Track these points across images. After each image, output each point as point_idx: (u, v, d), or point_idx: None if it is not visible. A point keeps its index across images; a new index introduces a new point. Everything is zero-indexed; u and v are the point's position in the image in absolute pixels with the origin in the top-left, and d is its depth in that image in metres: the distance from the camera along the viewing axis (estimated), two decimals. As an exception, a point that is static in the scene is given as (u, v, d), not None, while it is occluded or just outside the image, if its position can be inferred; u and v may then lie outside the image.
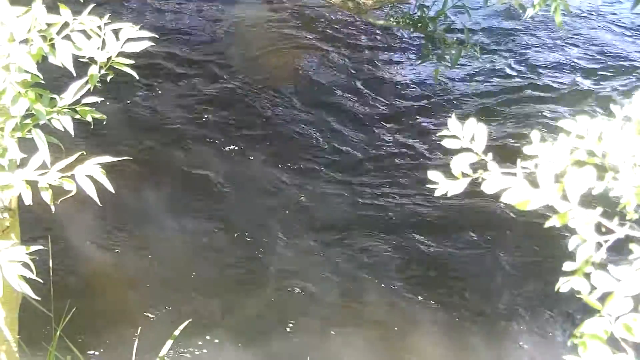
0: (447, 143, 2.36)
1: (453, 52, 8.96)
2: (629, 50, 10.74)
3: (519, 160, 2.28)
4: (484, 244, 7.61)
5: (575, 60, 10.58)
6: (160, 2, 10.97)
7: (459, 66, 9.54)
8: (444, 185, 2.32)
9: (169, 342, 4.43)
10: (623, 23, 11.22)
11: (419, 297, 6.89)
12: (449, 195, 2.36)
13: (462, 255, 7.49)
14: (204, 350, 6.18)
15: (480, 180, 2.41)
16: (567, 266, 2.24)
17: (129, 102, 9.09)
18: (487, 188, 2.14)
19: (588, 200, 2.12)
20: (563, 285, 2.26)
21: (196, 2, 11.07)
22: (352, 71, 10.20)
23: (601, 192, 2.23)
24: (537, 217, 7.41)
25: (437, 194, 2.34)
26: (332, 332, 6.48)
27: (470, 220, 7.85)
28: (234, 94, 9.65)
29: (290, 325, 6.50)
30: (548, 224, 2.16)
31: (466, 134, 2.34)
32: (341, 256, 7.34)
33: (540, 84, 10.11)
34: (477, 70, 10.29)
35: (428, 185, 2.34)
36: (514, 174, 2.15)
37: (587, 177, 2.10)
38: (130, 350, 5.00)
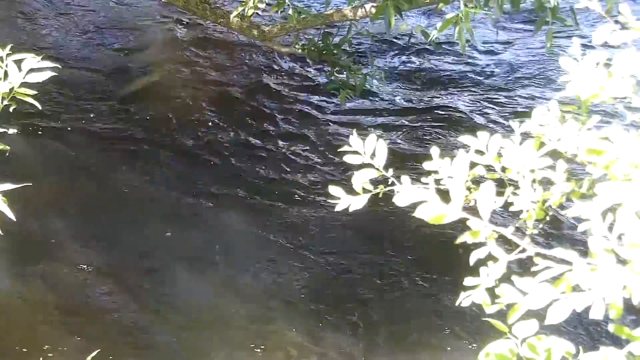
0: (348, 159, 2.35)
1: (359, 78, 9.05)
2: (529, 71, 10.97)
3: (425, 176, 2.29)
4: (389, 257, 7.65)
5: (481, 80, 10.78)
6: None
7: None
8: (345, 200, 2.31)
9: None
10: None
11: (323, 314, 6.87)
12: (350, 210, 2.35)
13: (366, 269, 7.52)
14: None
15: (380, 195, 2.40)
16: (468, 281, 2.25)
17: (32, 130, 8.94)
18: (399, 201, 2.12)
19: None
20: (464, 300, 2.26)
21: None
22: (254, 98, 10.18)
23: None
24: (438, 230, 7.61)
25: (337, 209, 2.33)
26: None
27: (377, 234, 7.91)
28: (134, 124, 9.58)
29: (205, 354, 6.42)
30: (460, 240, 2.15)
31: (367, 150, 2.33)
32: (245, 276, 7.28)
33: (446, 103, 10.27)
34: (383, 93, 10.40)
35: (330, 201, 2.32)
36: (426, 187, 2.15)
37: (488, 192, 2.11)
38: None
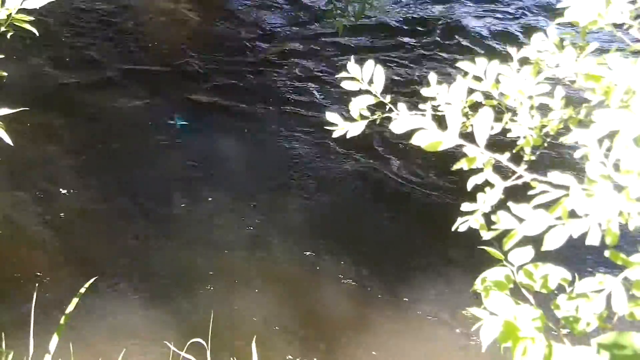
0: (346, 85, 2.34)
1: (356, 5, 8.97)
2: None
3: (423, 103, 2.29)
4: (383, 193, 7.68)
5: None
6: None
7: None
8: (343, 126, 2.31)
9: (75, 300, 4.34)
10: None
11: (320, 255, 6.89)
12: (347, 136, 2.35)
13: (358, 207, 7.53)
14: (112, 307, 6.09)
15: (377, 122, 2.41)
16: (465, 207, 2.26)
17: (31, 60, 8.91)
18: (396, 128, 2.12)
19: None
20: (461, 225, 2.28)
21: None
22: (251, 27, 10.14)
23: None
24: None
25: (335, 135, 2.33)
26: (240, 287, 6.45)
27: (368, 173, 7.92)
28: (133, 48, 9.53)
29: (199, 281, 6.44)
30: (456, 166, 2.16)
31: (365, 77, 2.33)
32: (246, 218, 7.28)
33: (444, 31, 10.26)
34: (382, 21, 10.36)
35: (327, 127, 2.32)
36: (423, 114, 2.14)
37: (485, 119, 2.11)
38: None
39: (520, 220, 1.99)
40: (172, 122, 8.37)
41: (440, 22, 10.50)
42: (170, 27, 10.15)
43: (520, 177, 2.16)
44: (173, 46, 9.74)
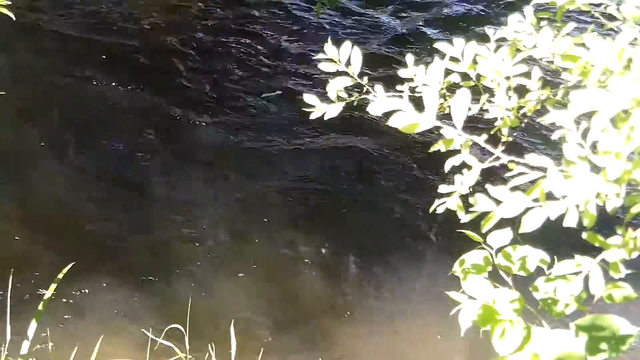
0: (323, 66, 2.32)
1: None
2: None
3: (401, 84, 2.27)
4: (364, 173, 7.67)
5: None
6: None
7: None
8: (320, 108, 2.29)
9: (53, 285, 4.31)
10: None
11: (302, 233, 6.88)
12: (325, 118, 2.33)
13: (342, 187, 7.52)
14: (90, 293, 6.04)
15: (355, 104, 2.39)
16: (442, 188, 2.24)
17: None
18: (373, 110, 2.09)
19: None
20: (438, 206, 2.26)
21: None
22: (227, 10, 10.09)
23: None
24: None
25: (312, 117, 2.31)
26: (218, 275, 6.41)
27: (350, 151, 7.90)
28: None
29: (177, 268, 6.41)
30: (433, 148, 2.14)
31: (342, 58, 2.31)
32: (222, 195, 7.27)
33: (422, 12, 10.26)
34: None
35: (304, 109, 2.30)
36: (400, 96, 2.12)
37: (463, 100, 2.09)
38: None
39: (498, 202, 1.97)
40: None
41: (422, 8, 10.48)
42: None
43: (497, 158, 2.14)
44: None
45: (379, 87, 2.15)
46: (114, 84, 8.57)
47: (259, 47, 9.47)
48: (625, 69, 1.81)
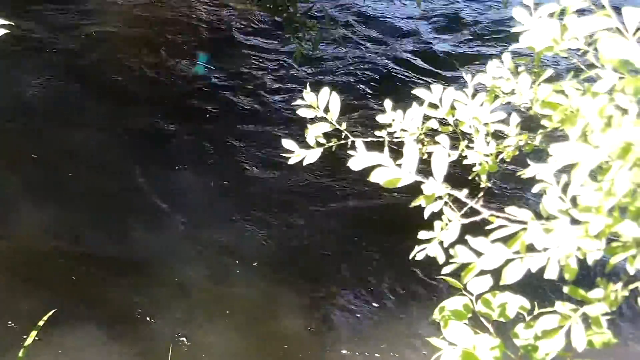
0: (302, 112, 2.32)
1: (314, 34, 8.89)
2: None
3: (382, 132, 2.27)
4: (341, 218, 7.52)
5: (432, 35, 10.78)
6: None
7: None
8: (298, 154, 2.28)
9: (34, 332, 4.26)
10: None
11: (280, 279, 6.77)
12: (304, 164, 2.32)
13: (321, 231, 7.38)
14: (71, 341, 5.91)
15: (333, 149, 2.38)
16: (422, 235, 2.24)
17: None
18: (354, 165, 2.08)
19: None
20: (418, 253, 2.26)
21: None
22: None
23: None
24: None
25: (290, 162, 2.30)
26: (200, 317, 6.30)
27: (329, 195, 7.76)
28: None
29: (158, 313, 6.28)
30: (414, 203, 2.13)
31: (321, 104, 2.30)
32: (206, 241, 7.11)
33: (403, 58, 10.19)
34: (339, 50, 10.26)
35: (284, 155, 2.29)
36: (381, 144, 2.12)
37: (442, 155, 2.09)
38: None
39: (479, 254, 1.98)
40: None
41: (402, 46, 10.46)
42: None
43: (478, 213, 2.14)
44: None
45: (359, 142, 2.14)
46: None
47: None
48: (607, 126, 1.81)
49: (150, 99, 8.86)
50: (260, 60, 9.91)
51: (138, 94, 8.91)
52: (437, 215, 2.20)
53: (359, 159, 1.99)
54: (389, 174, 1.96)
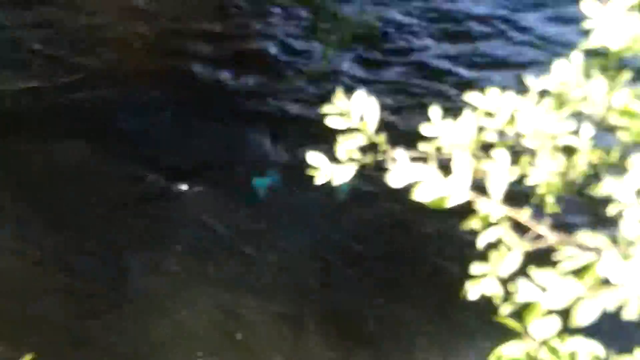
0: (331, 122, 1.97)
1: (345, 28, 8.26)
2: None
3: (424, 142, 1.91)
4: (380, 244, 7.01)
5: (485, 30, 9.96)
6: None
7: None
8: (327, 171, 1.93)
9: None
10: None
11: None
12: (334, 184, 1.97)
13: (359, 255, 6.92)
14: None
15: (369, 165, 2.03)
16: (476, 269, 1.89)
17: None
18: (393, 181, 1.74)
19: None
20: (471, 291, 1.90)
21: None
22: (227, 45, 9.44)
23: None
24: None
25: (318, 182, 1.94)
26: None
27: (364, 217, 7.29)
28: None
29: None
30: (465, 225, 1.79)
31: (354, 112, 1.95)
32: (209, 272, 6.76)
33: (450, 56, 9.44)
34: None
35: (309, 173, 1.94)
36: (424, 162, 1.78)
37: (502, 168, 1.74)
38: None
39: (544, 289, 1.62)
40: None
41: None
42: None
43: (543, 238, 1.78)
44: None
45: (400, 152, 1.80)
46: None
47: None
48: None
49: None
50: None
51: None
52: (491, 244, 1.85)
53: (400, 172, 1.64)
54: (437, 190, 1.61)
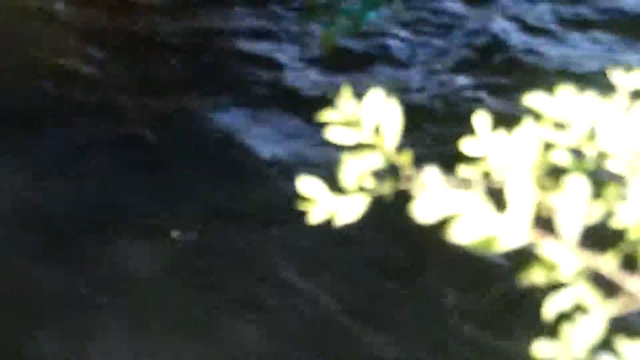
0: (334, 135, 1.40)
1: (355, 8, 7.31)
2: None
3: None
4: (418, 284, 6.24)
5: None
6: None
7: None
8: (326, 205, 1.35)
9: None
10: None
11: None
12: (337, 223, 1.39)
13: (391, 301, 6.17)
14: None
15: (388, 196, 1.45)
16: (540, 348, 1.34)
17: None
18: (422, 213, 1.23)
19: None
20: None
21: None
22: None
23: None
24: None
25: (312, 220, 1.36)
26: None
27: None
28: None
29: None
30: (523, 279, 1.28)
31: (367, 120, 1.39)
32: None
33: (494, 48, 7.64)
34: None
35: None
36: (466, 187, 1.28)
37: (578, 196, 1.21)
38: None
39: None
40: None
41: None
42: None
43: (634, 299, 1.31)
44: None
45: (432, 172, 1.25)
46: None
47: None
48: None
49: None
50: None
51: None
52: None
53: (432, 200, 1.11)
54: (484, 228, 1.09)
